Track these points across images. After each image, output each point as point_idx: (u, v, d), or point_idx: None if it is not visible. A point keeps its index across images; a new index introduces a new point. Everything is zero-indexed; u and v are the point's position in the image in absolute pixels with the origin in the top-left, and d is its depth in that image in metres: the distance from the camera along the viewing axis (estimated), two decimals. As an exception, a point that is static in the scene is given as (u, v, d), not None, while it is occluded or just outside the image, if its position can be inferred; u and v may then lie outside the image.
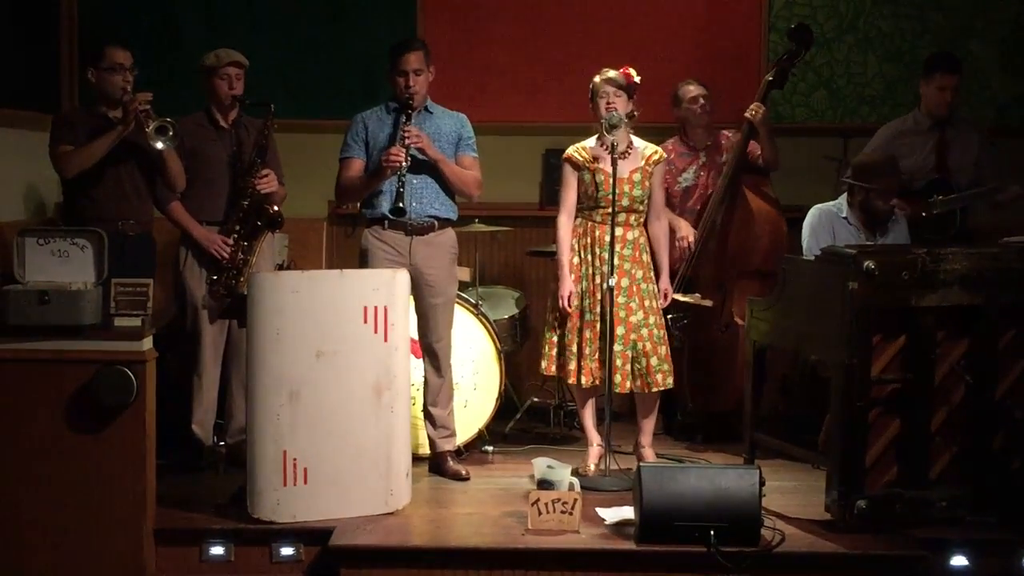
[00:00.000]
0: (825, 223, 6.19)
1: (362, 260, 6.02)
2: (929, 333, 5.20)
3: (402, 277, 5.45)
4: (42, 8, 7.33)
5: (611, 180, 5.77)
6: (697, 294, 6.49)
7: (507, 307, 7.00)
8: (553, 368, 6.02)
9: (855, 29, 7.71)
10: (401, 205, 5.77)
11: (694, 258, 6.60)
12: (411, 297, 5.96)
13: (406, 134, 5.79)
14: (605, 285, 5.78)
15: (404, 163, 5.76)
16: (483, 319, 6.49)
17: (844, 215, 6.20)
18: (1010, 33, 7.65)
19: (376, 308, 5.30)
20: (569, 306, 5.90)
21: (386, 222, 5.96)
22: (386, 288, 5.35)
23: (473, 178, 6.04)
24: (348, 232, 7.73)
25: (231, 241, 6.03)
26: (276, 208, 6.06)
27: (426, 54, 5.96)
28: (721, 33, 7.67)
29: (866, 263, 5.02)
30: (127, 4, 7.60)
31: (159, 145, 5.76)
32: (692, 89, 6.79)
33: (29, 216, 6.83)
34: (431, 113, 6.03)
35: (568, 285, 5.91)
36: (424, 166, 5.90)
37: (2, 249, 5.25)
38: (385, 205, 5.93)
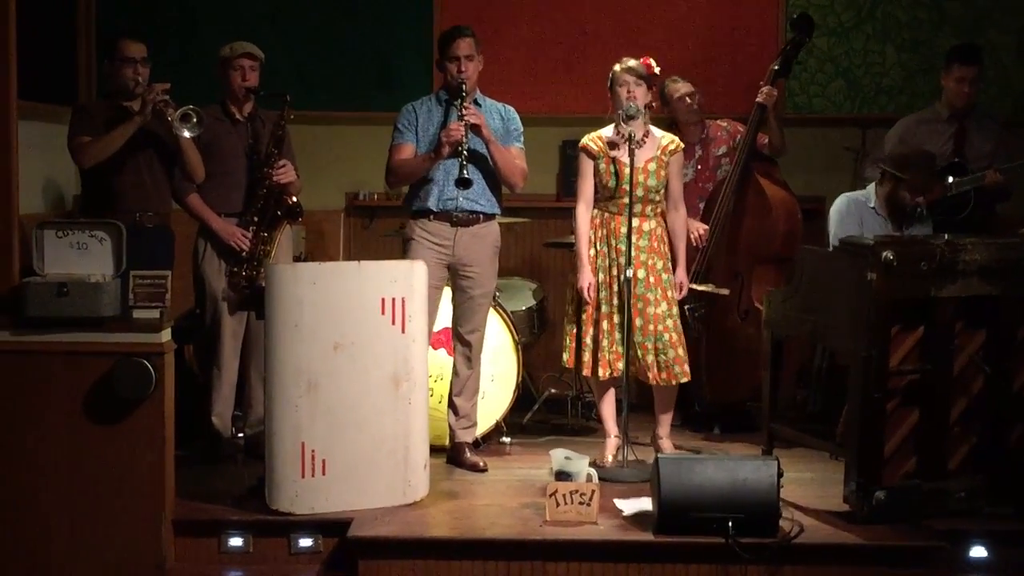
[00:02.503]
0: (853, 211, 6.20)
1: (406, 249, 6.04)
2: (948, 324, 5.19)
3: (419, 268, 5.45)
4: (60, 1, 7.35)
5: (627, 170, 5.77)
6: (712, 284, 6.49)
7: (525, 299, 7.00)
8: (575, 360, 6.02)
9: (873, 19, 7.69)
10: (466, 175, 5.76)
11: (709, 248, 6.61)
12: (448, 288, 6.08)
13: (465, 111, 5.81)
14: (623, 276, 5.78)
15: (464, 139, 5.78)
16: (501, 310, 6.49)
17: (872, 204, 6.20)
18: (1028, 23, 7.64)
19: (394, 300, 5.29)
20: (588, 298, 5.89)
21: (431, 215, 5.98)
22: (404, 280, 5.35)
23: (520, 168, 6.05)
24: (365, 224, 7.75)
25: (250, 233, 6.04)
26: (295, 199, 6.07)
27: (476, 41, 5.98)
28: (738, 23, 7.66)
29: (884, 254, 5.01)
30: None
31: (185, 133, 5.77)
32: (680, 87, 6.79)
33: (48, 209, 6.86)
34: (479, 105, 6.03)
35: (587, 276, 5.91)
36: (473, 158, 5.91)
37: (21, 242, 5.26)
38: (432, 198, 5.95)
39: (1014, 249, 5.26)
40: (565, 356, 6.01)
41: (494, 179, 6.04)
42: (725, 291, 6.54)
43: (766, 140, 6.69)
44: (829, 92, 7.75)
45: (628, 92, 5.82)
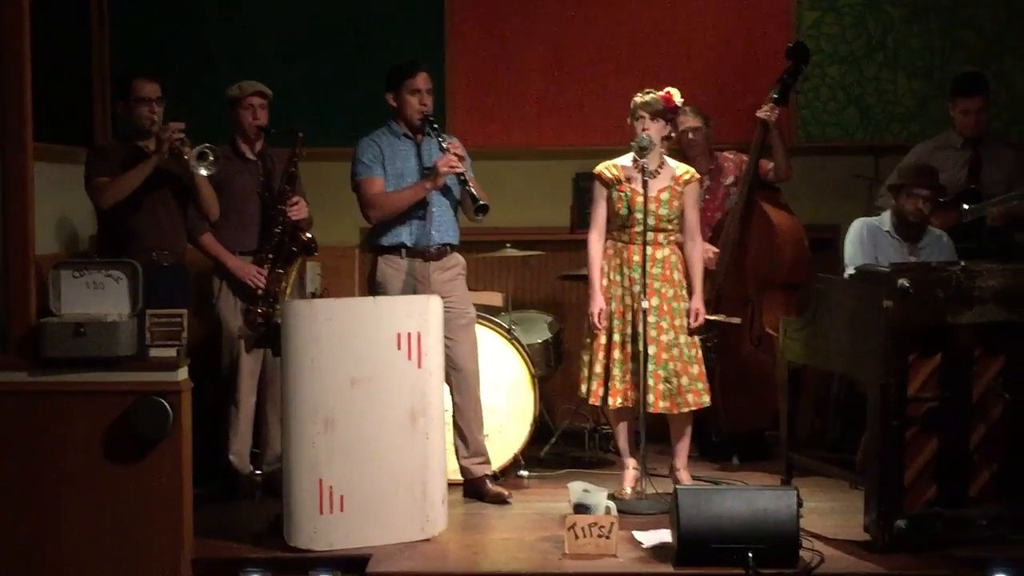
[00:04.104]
0: (867, 235, 6.23)
1: (376, 290, 6.03)
2: (965, 350, 5.17)
3: (435, 303, 5.45)
4: (74, 42, 7.39)
5: (640, 200, 5.78)
6: (723, 313, 6.50)
7: (540, 331, 6.99)
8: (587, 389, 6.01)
9: (884, 47, 7.69)
10: (483, 202, 5.84)
11: (718, 277, 6.61)
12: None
13: (449, 144, 5.91)
14: (637, 305, 5.78)
15: (462, 168, 5.88)
16: (516, 344, 6.49)
17: (887, 229, 6.22)
18: (1042, 47, 7.63)
19: (410, 334, 5.30)
20: (599, 324, 5.89)
21: (403, 251, 6.00)
22: (420, 314, 5.36)
23: (484, 196, 6.07)
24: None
25: (265, 270, 6.06)
26: (309, 235, 6.09)
27: None
28: (749, 53, 7.66)
29: (900, 281, 5.00)
30: (159, 36, 7.67)
31: (202, 172, 5.80)
32: (686, 120, 6.79)
33: (63, 249, 6.87)
34: (430, 136, 6.08)
35: (598, 303, 5.91)
36: (442, 192, 5.99)
37: (38, 282, 5.28)
38: (404, 234, 5.98)
39: (1030, 275, 5.25)
40: (582, 387, 6.00)
41: (456, 210, 6.11)
42: (736, 320, 6.54)
43: (770, 166, 6.69)
44: (842, 120, 7.75)
45: (643, 127, 5.84)
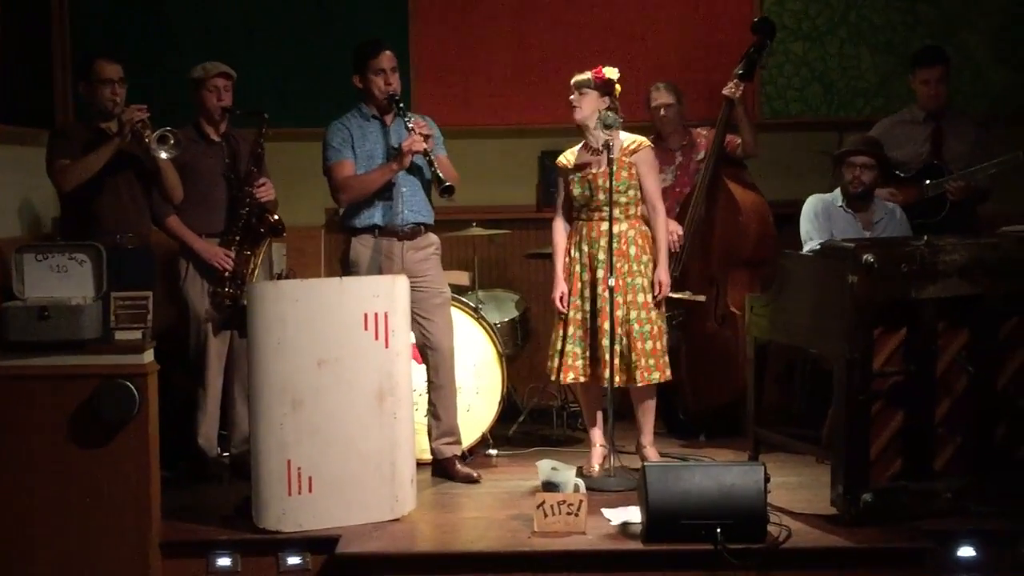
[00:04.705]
0: (822, 211, 6.30)
1: (349, 270, 6.01)
2: (930, 325, 5.20)
3: (402, 283, 5.45)
4: (35, 23, 7.33)
5: (597, 183, 5.81)
6: (688, 291, 6.51)
7: (507, 310, 7.00)
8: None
9: (847, 23, 7.71)
10: (449, 184, 5.81)
11: (682, 255, 6.62)
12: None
13: (415, 124, 5.87)
14: (602, 281, 5.78)
15: (428, 148, 5.84)
16: (483, 323, 6.49)
17: (840, 204, 6.27)
18: (1001, 23, 7.65)
19: (376, 315, 5.29)
20: (562, 308, 5.90)
21: (376, 231, 5.98)
22: (386, 295, 5.35)
23: (456, 175, 6.05)
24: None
25: (232, 252, 6.04)
26: (276, 216, 6.07)
27: None
28: (713, 29, 7.66)
29: (865, 256, 5.02)
30: (121, 18, 7.61)
31: (163, 155, 5.76)
32: (657, 96, 6.84)
33: (26, 232, 6.83)
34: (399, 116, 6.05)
35: (560, 286, 5.92)
36: (411, 170, 5.96)
37: (0, 265, 5.24)
38: (379, 214, 5.95)
39: (993, 248, 5.28)
40: (548, 364, 6.02)
41: (428, 190, 6.08)
42: (701, 298, 6.56)
43: (737, 142, 6.70)
44: (805, 96, 7.76)
45: (573, 105, 5.86)
